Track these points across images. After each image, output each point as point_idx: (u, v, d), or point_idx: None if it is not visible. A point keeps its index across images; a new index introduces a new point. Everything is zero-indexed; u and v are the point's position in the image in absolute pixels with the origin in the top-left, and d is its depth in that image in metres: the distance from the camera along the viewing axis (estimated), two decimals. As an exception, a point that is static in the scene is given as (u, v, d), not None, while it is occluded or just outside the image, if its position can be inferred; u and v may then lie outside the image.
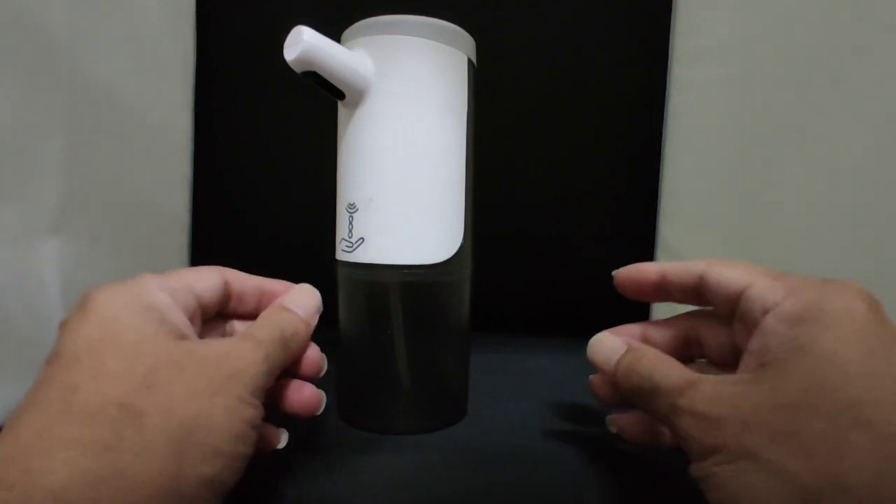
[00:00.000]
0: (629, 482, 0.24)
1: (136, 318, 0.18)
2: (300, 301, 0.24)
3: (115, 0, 0.36)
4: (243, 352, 0.20)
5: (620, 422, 0.25)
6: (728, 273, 0.21)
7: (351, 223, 0.26)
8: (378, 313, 0.27)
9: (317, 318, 0.25)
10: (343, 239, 0.27)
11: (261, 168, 0.50)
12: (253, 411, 0.19)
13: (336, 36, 0.26)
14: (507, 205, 0.48)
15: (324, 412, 0.29)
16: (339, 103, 0.27)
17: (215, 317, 0.24)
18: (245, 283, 0.24)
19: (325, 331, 0.31)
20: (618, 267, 0.26)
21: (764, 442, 0.16)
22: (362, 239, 0.26)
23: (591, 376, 0.25)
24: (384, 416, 0.28)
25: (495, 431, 0.28)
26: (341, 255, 0.27)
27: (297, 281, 0.26)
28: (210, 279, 0.23)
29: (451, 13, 0.27)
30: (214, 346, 0.20)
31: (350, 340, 0.29)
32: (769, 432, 0.16)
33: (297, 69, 0.24)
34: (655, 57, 0.46)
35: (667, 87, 0.46)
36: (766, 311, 0.19)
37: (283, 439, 0.23)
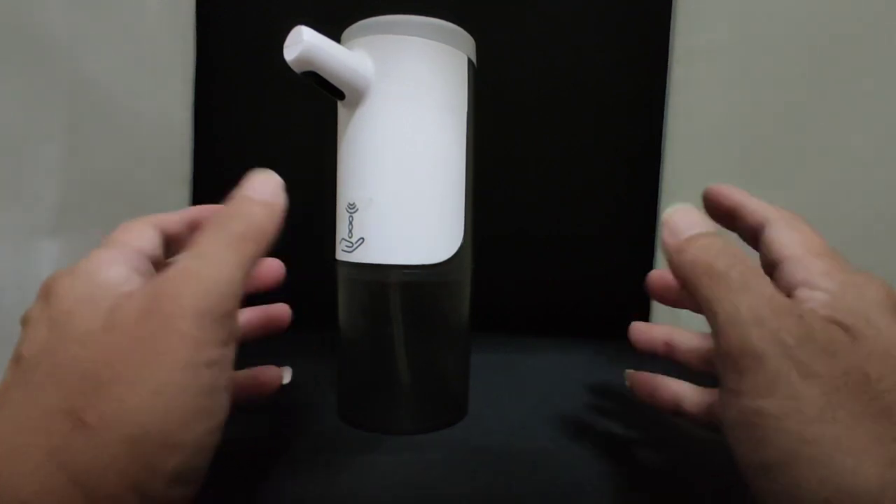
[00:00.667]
0: (629, 482, 0.24)
1: (89, 309, 0.17)
2: (256, 185, 0.21)
3: (115, 1, 0.36)
4: (204, 272, 0.17)
5: (634, 378, 0.25)
6: (784, 237, 0.20)
7: (351, 223, 0.26)
8: (378, 313, 0.27)
9: (283, 198, 0.21)
10: (343, 239, 0.27)
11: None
12: (208, 373, 0.16)
13: (336, 36, 0.26)
14: (507, 205, 0.48)
15: (324, 412, 0.30)
16: (339, 103, 0.27)
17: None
18: (176, 220, 0.22)
19: (325, 331, 0.31)
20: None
21: (849, 412, 0.15)
22: (362, 239, 0.26)
23: (650, 274, 0.26)
24: (384, 416, 0.28)
25: (495, 431, 0.28)
26: (341, 255, 0.27)
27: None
28: (146, 231, 0.20)
29: (451, 13, 0.27)
30: (168, 278, 0.17)
31: (350, 340, 0.29)
32: (854, 402, 0.15)
33: (297, 69, 0.24)
34: (655, 57, 0.46)
35: (667, 87, 0.46)
36: (798, 285, 0.18)
37: (286, 375, 0.22)
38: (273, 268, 0.23)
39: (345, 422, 0.29)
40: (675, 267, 0.20)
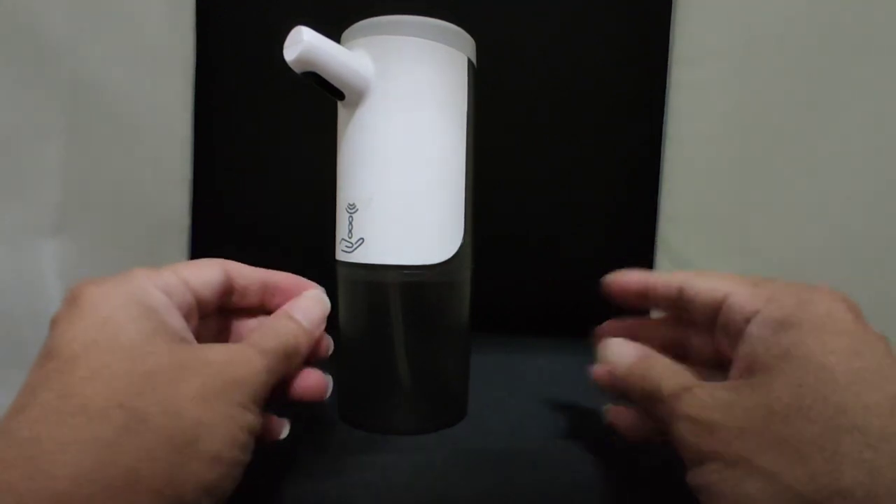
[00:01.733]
0: (629, 482, 0.24)
1: (132, 319, 0.18)
2: (306, 310, 0.23)
3: (115, 1, 0.36)
4: (246, 359, 0.19)
5: (616, 414, 0.25)
6: (705, 284, 0.22)
7: (351, 223, 0.26)
8: (378, 313, 0.27)
9: (322, 327, 0.24)
10: (343, 239, 0.27)
11: (261, 168, 0.50)
12: (253, 419, 0.18)
13: (336, 36, 0.26)
14: (507, 205, 0.48)
15: (324, 412, 0.30)
16: (339, 103, 0.27)
17: (216, 312, 0.23)
18: (248, 276, 0.23)
19: (326, 331, 0.31)
20: (618, 267, 0.26)
21: (757, 448, 0.16)
22: (362, 239, 0.26)
23: (594, 368, 0.25)
24: (384, 416, 0.28)
25: (495, 432, 0.28)
26: (341, 256, 0.27)
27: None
28: (209, 274, 0.22)
29: (451, 13, 0.27)
30: (216, 352, 0.19)
31: (350, 340, 0.29)
32: (762, 439, 0.16)
33: (297, 69, 0.24)
34: (655, 57, 0.46)
35: (667, 87, 0.46)
36: (748, 320, 0.20)
37: (284, 430, 0.22)
38: (317, 383, 0.24)
39: (345, 422, 0.29)
40: (629, 395, 0.23)
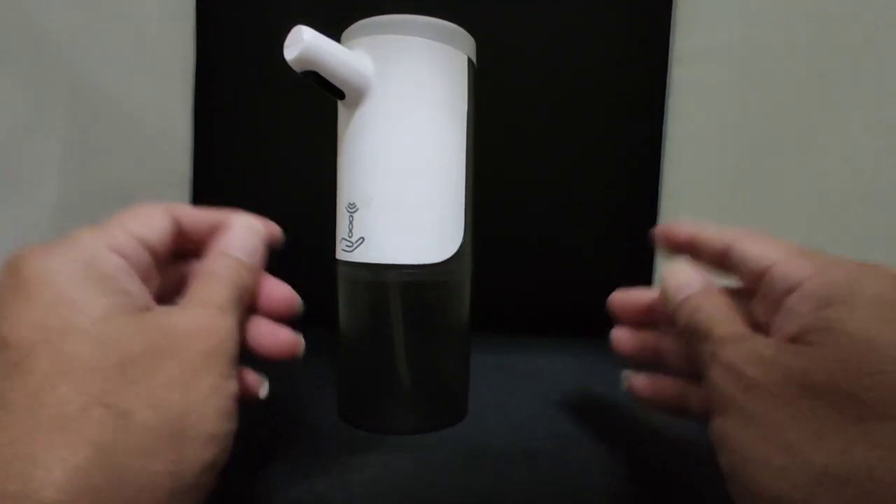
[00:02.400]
0: (629, 481, 0.24)
1: (89, 294, 0.16)
2: (238, 240, 0.21)
3: (115, 0, 0.36)
4: (212, 324, 0.18)
5: (635, 381, 0.25)
6: (755, 249, 0.21)
7: (351, 223, 0.26)
8: (378, 313, 0.27)
9: (259, 256, 0.22)
10: (343, 239, 0.27)
11: (261, 168, 0.50)
12: (235, 384, 0.18)
13: (336, 36, 0.26)
14: (507, 205, 0.48)
15: (324, 412, 0.30)
16: (339, 103, 0.27)
17: (166, 260, 0.21)
18: (197, 219, 0.22)
19: (326, 331, 0.31)
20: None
21: (789, 416, 0.16)
22: (362, 239, 0.26)
23: (615, 330, 0.26)
24: (384, 416, 0.28)
25: (495, 431, 0.28)
26: (341, 255, 0.27)
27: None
28: (159, 224, 0.20)
29: (451, 13, 0.27)
30: (183, 321, 0.18)
31: (350, 340, 0.29)
32: (797, 408, 0.16)
33: (297, 69, 0.24)
34: (655, 57, 0.46)
35: (667, 87, 0.46)
36: (791, 290, 0.19)
37: (263, 387, 0.21)
38: (284, 297, 0.23)
39: (345, 422, 0.29)
40: (677, 328, 0.22)
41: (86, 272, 0.16)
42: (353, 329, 0.29)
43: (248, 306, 0.21)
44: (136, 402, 0.15)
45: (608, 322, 0.27)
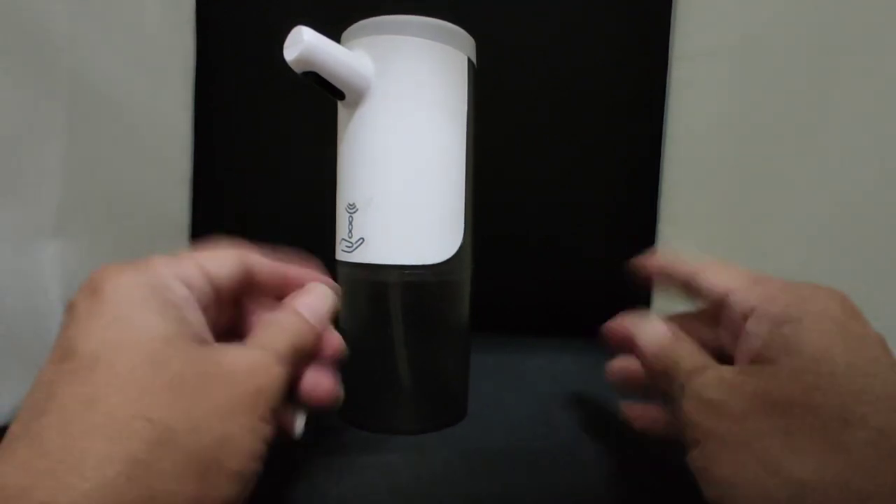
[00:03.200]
0: (629, 481, 0.24)
1: (154, 316, 0.17)
2: (311, 305, 0.22)
3: (116, 1, 0.36)
4: (265, 366, 0.18)
5: (632, 410, 0.25)
6: (713, 278, 0.22)
7: (351, 223, 0.26)
8: (378, 313, 0.27)
9: (327, 323, 0.23)
10: (343, 239, 0.27)
11: (261, 168, 0.50)
12: (270, 430, 0.18)
13: (336, 36, 0.26)
14: (507, 205, 0.48)
15: (324, 412, 0.30)
16: (339, 103, 0.27)
17: (230, 301, 0.22)
18: (267, 270, 0.23)
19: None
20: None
21: (760, 435, 0.17)
22: (362, 239, 0.26)
23: (611, 362, 0.26)
24: (384, 416, 0.28)
25: (495, 431, 0.28)
26: (341, 256, 0.27)
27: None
28: (229, 265, 0.21)
29: (451, 13, 0.27)
30: (238, 358, 0.18)
31: (350, 340, 0.29)
32: (766, 426, 0.17)
33: (297, 69, 0.24)
34: (655, 57, 0.46)
35: (667, 87, 0.46)
36: (746, 316, 0.20)
37: (299, 424, 0.22)
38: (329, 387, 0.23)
39: (345, 422, 0.29)
40: (652, 378, 0.23)
41: (152, 296, 0.17)
42: (353, 329, 0.29)
43: (304, 364, 0.21)
44: (180, 422, 0.15)
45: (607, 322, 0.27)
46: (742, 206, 0.42)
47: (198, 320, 0.19)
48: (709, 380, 0.19)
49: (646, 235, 0.48)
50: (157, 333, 0.17)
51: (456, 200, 0.27)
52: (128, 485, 0.14)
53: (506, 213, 0.47)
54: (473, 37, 0.28)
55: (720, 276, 0.22)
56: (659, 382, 0.22)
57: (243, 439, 0.17)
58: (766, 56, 0.40)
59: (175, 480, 0.15)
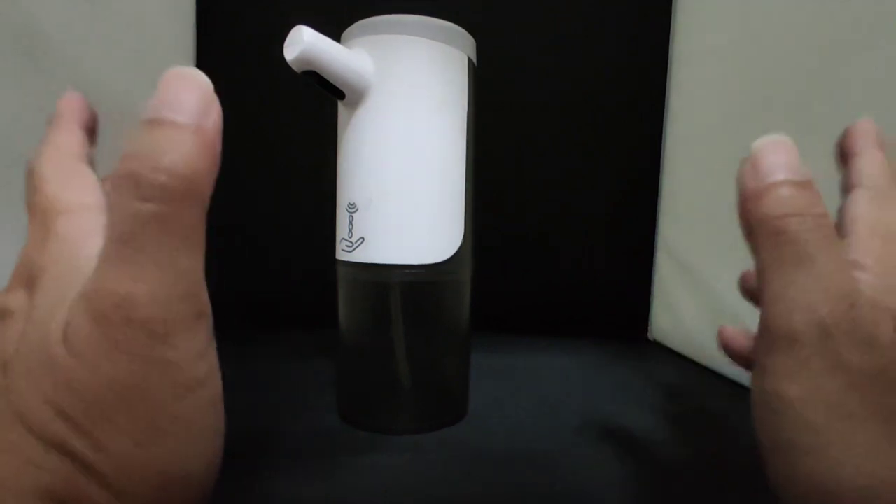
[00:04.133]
0: (629, 481, 0.24)
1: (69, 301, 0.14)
2: (177, 98, 0.13)
3: (115, 1, 0.36)
4: (126, 298, 0.12)
5: (726, 332, 0.22)
6: (855, 210, 0.19)
7: (351, 223, 0.26)
8: (378, 313, 0.27)
9: (215, 118, 0.14)
10: (343, 239, 0.27)
11: (261, 168, 0.50)
12: (204, 393, 0.14)
13: (336, 36, 0.26)
14: (508, 205, 0.48)
15: (324, 412, 0.30)
16: (340, 103, 0.27)
17: None
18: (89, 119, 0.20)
19: (326, 331, 0.31)
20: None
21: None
22: (362, 239, 0.26)
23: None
24: (384, 416, 0.28)
25: (495, 431, 0.28)
26: (341, 255, 0.27)
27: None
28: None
29: (451, 13, 0.27)
30: (93, 312, 0.13)
31: (350, 340, 0.29)
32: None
33: (297, 69, 0.24)
34: (656, 58, 0.46)
35: (667, 88, 0.47)
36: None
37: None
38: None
39: (345, 422, 0.29)
40: (745, 215, 0.18)
41: (71, 268, 0.15)
42: (353, 329, 0.29)
43: (207, 202, 0.14)
44: (103, 454, 0.13)
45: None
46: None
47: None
48: (820, 284, 0.15)
49: (646, 235, 0.48)
50: (78, 326, 0.13)
51: (456, 200, 0.27)
52: None
53: (506, 213, 0.47)
54: (473, 37, 0.28)
55: (861, 208, 0.19)
56: (757, 248, 0.17)
57: (186, 444, 0.14)
58: (766, 56, 0.40)
59: None
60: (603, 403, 0.33)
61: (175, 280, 0.13)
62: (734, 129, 0.43)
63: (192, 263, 0.13)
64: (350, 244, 0.26)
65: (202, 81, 0.14)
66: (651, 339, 0.50)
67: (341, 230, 0.27)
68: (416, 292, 0.27)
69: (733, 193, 0.23)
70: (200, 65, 0.46)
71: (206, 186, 0.13)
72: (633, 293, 0.49)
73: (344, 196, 0.27)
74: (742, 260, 0.23)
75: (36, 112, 0.31)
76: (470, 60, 0.28)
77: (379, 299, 0.27)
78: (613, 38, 0.47)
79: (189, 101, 0.14)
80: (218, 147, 0.14)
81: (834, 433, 0.15)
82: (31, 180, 0.17)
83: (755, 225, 0.17)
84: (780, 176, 0.17)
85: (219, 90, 0.15)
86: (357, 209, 0.26)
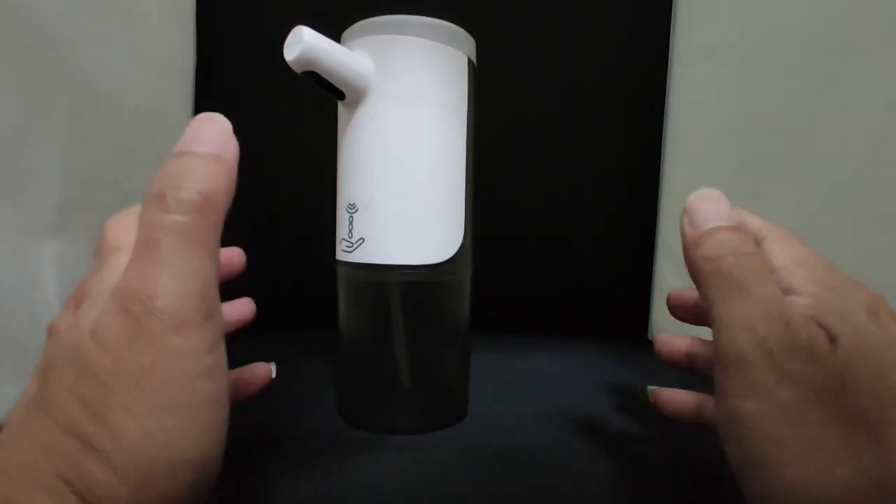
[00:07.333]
0: (630, 481, 0.24)
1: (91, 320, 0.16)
2: (200, 135, 0.17)
3: (115, 1, 0.36)
4: (147, 285, 0.15)
5: (659, 394, 0.25)
6: (776, 250, 0.21)
7: (351, 223, 0.26)
8: (378, 313, 0.27)
9: (233, 150, 0.17)
10: (343, 239, 0.27)
11: (261, 168, 0.50)
12: (207, 384, 0.15)
13: (336, 36, 0.26)
14: (508, 205, 0.48)
15: (324, 412, 0.30)
16: (339, 103, 0.27)
17: None
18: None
19: (326, 331, 0.31)
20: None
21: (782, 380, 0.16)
22: (362, 239, 0.26)
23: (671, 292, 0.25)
24: (384, 416, 0.28)
25: (495, 431, 0.28)
26: (341, 256, 0.27)
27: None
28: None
29: (451, 13, 0.27)
30: (119, 311, 0.15)
31: (350, 340, 0.29)
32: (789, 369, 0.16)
33: (297, 69, 0.24)
34: (655, 57, 0.46)
35: (667, 87, 0.46)
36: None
37: (273, 370, 0.22)
38: (232, 254, 0.22)
39: (345, 422, 0.29)
40: (688, 259, 0.20)
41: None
42: (353, 329, 0.29)
43: (224, 217, 0.18)
44: (101, 434, 0.15)
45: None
46: (742, 206, 0.42)
47: None
48: (758, 307, 0.17)
49: (646, 235, 0.48)
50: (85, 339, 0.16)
51: (456, 200, 0.27)
52: (65, 494, 0.14)
53: (506, 212, 0.47)
54: (473, 37, 0.28)
55: (779, 248, 0.21)
56: (701, 287, 0.19)
57: (183, 426, 0.15)
58: (767, 55, 0.40)
59: (114, 484, 0.14)
60: (603, 403, 0.33)
61: (190, 279, 0.15)
62: (734, 128, 0.43)
63: (206, 267, 0.15)
64: (350, 244, 0.26)
65: (222, 122, 0.18)
66: (651, 339, 0.50)
67: (341, 230, 0.27)
68: (416, 292, 0.27)
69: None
70: (200, 65, 0.46)
71: (222, 203, 0.17)
72: (633, 293, 0.49)
73: (344, 196, 0.27)
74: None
75: (36, 111, 0.31)
76: (470, 61, 0.28)
77: (379, 299, 0.27)
78: (613, 38, 0.47)
79: (211, 137, 0.17)
80: (234, 173, 0.17)
81: (797, 443, 0.16)
82: (101, 231, 0.20)
83: (698, 266, 0.19)
84: (712, 223, 0.20)
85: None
86: (357, 209, 0.26)
